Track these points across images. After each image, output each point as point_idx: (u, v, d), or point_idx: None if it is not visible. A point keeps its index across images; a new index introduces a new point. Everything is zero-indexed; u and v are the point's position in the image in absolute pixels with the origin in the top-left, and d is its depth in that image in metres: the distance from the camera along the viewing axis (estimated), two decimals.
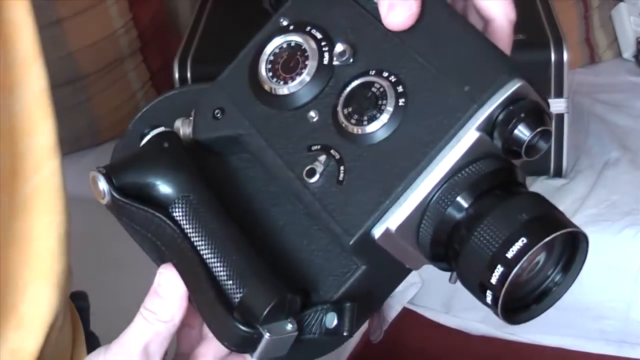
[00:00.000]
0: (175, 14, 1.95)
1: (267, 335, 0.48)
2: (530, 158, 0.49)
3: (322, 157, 0.50)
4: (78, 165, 1.64)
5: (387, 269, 0.52)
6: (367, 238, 0.48)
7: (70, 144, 1.67)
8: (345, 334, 0.49)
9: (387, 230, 0.48)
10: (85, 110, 1.71)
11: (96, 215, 1.41)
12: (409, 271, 0.52)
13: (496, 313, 0.47)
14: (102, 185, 0.50)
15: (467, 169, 0.48)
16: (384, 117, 0.49)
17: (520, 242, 0.46)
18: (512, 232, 0.46)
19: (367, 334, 1.60)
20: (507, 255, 0.46)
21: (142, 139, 0.53)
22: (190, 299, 0.50)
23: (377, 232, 0.48)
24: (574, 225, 0.48)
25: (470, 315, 1.60)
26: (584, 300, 1.54)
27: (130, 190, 0.51)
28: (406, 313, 1.61)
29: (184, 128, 0.54)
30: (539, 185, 1.61)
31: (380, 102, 0.50)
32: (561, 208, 1.66)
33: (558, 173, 1.61)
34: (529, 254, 0.45)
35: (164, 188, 0.51)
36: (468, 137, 0.48)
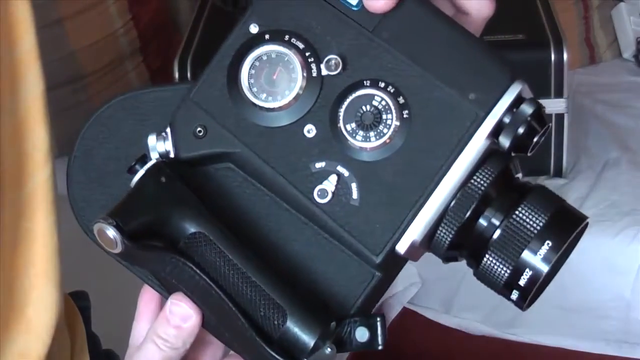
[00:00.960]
0: (175, 14, 1.96)
1: None
2: (532, 152, 0.50)
3: (333, 177, 0.50)
4: None
5: (394, 269, 0.52)
6: (392, 253, 0.49)
7: (71, 144, 1.67)
8: (379, 347, 0.50)
9: (413, 244, 0.49)
10: (85, 110, 1.71)
11: None
12: (405, 262, 0.53)
13: (520, 307, 0.50)
14: (113, 234, 0.47)
15: (479, 173, 0.49)
16: (391, 132, 0.49)
17: (546, 246, 0.48)
18: (537, 235, 0.48)
19: None
20: (535, 257, 0.48)
21: (130, 172, 0.51)
22: (203, 324, 0.50)
23: (402, 246, 0.49)
24: (581, 214, 0.50)
25: (470, 315, 1.60)
26: (584, 300, 1.54)
27: (139, 235, 0.48)
28: (406, 313, 1.61)
29: (160, 145, 0.51)
30: None
31: (384, 116, 0.49)
32: None
33: (558, 173, 1.61)
34: (557, 255, 0.48)
35: (175, 227, 0.49)
36: (479, 145, 0.48)
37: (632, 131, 1.77)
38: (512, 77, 0.49)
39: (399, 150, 0.49)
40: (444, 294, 1.60)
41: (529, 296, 0.49)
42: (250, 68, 0.51)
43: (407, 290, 1.60)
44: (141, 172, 0.50)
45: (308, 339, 0.48)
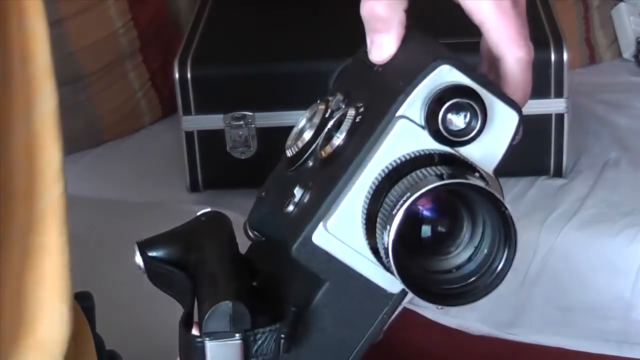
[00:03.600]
0: (176, 14, 1.95)
1: (206, 341, 0.49)
2: (460, 139, 0.49)
3: (298, 190, 0.52)
4: (78, 165, 1.64)
5: (360, 300, 0.52)
6: (308, 244, 0.49)
7: (70, 144, 1.66)
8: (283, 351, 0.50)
9: (321, 229, 0.49)
10: (85, 110, 1.71)
11: (96, 215, 1.41)
12: (385, 304, 0.52)
13: (404, 285, 0.47)
14: (137, 257, 0.55)
15: (397, 160, 0.48)
16: (341, 135, 0.50)
17: (405, 197, 0.46)
18: (401, 194, 0.47)
19: None
20: (393, 213, 0.46)
21: None
22: None
23: (315, 234, 0.49)
24: (483, 184, 0.47)
25: (470, 315, 1.60)
26: (584, 300, 1.54)
27: (166, 262, 0.55)
28: (406, 313, 1.61)
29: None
30: (539, 185, 1.61)
31: (342, 126, 0.51)
32: (561, 208, 1.67)
33: (558, 173, 1.61)
34: (407, 203, 0.46)
35: (191, 255, 0.55)
36: (392, 125, 0.48)
37: (632, 131, 1.77)
38: (435, 59, 0.49)
39: (340, 152, 0.50)
40: None
41: (389, 253, 0.46)
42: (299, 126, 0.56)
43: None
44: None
45: (204, 314, 0.50)
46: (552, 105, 1.57)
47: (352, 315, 0.52)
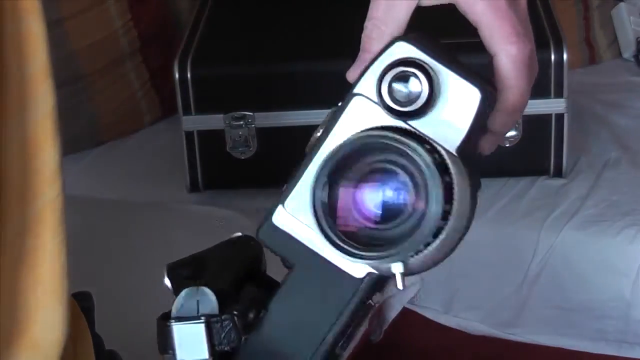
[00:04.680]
0: (176, 14, 1.95)
1: (173, 324, 0.51)
2: (408, 110, 0.49)
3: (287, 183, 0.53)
4: (78, 165, 1.64)
5: (327, 284, 0.52)
6: (270, 225, 0.51)
7: (70, 144, 1.67)
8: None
9: (281, 209, 0.51)
10: (85, 110, 1.71)
11: (96, 215, 1.41)
12: (353, 290, 0.52)
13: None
14: (166, 279, 0.56)
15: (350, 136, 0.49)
16: (323, 125, 0.52)
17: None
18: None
19: (367, 334, 1.60)
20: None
21: None
22: None
23: (275, 215, 0.51)
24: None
25: (470, 315, 1.60)
26: (584, 300, 1.54)
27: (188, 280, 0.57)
28: (406, 313, 1.61)
29: None
30: (539, 185, 1.61)
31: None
32: (561, 208, 1.67)
33: (558, 173, 1.61)
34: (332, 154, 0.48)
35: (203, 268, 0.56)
36: (348, 103, 0.50)
37: (632, 131, 1.77)
38: (395, 39, 0.50)
39: (318, 142, 0.51)
40: (444, 294, 1.60)
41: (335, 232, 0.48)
42: None
43: (407, 290, 1.60)
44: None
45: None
46: (552, 105, 1.57)
47: (321, 300, 0.52)
